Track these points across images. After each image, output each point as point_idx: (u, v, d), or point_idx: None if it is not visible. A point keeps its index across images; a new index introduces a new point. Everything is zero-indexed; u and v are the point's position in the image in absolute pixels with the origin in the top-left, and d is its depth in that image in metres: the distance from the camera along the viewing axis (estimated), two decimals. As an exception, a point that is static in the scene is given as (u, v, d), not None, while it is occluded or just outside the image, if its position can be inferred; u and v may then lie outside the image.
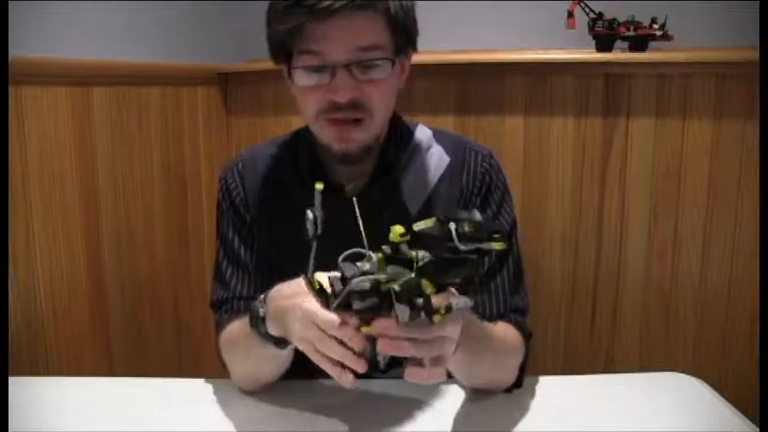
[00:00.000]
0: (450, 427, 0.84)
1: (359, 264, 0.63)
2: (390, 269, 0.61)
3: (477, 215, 0.58)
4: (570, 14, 1.59)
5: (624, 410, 0.88)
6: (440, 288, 0.61)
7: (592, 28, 1.59)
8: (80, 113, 1.49)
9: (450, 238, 0.56)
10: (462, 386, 0.93)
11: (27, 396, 0.92)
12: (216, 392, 0.93)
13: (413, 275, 0.59)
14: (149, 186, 1.71)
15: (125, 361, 1.64)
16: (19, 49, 1.23)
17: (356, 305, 0.63)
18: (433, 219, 0.58)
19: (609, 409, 0.88)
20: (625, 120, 1.59)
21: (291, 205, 0.91)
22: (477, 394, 0.91)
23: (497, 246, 0.57)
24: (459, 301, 0.62)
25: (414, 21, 0.89)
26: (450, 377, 0.93)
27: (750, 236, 1.52)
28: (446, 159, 0.97)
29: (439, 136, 1.01)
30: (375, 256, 0.62)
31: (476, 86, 1.67)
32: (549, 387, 0.95)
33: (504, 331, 0.89)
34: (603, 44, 1.59)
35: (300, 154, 0.97)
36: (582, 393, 0.94)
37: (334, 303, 0.65)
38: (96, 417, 0.87)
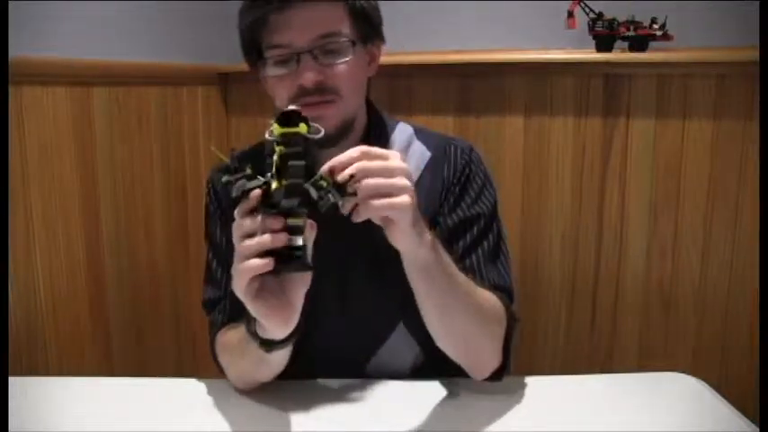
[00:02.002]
0: (448, 426, 0.84)
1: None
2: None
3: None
4: (570, 14, 1.58)
5: (624, 410, 0.87)
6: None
7: (592, 28, 1.59)
8: (80, 113, 1.49)
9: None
10: (459, 383, 0.93)
11: (27, 396, 0.92)
12: (216, 392, 0.93)
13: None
14: (149, 186, 1.71)
15: (125, 361, 1.63)
16: (19, 49, 1.23)
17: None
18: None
19: (608, 409, 0.88)
20: (625, 120, 1.59)
21: None
22: (475, 393, 0.91)
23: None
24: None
25: (376, 10, 0.93)
26: (442, 375, 0.93)
27: (750, 236, 1.52)
28: (427, 154, 0.99)
29: (420, 134, 1.02)
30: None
31: (476, 86, 1.67)
32: (547, 387, 0.95)
33: (482, 290, 0.88)
34: (603, 44, 1.59)
35: None
36: (581, 393, 0.94)
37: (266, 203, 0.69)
38: (96, 417, 0.87)
